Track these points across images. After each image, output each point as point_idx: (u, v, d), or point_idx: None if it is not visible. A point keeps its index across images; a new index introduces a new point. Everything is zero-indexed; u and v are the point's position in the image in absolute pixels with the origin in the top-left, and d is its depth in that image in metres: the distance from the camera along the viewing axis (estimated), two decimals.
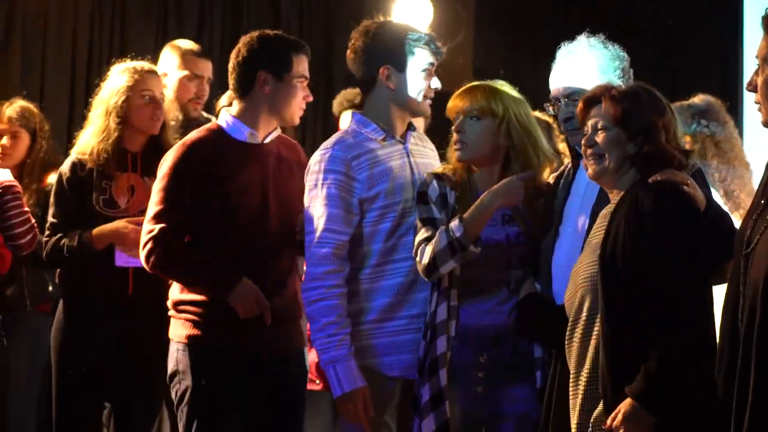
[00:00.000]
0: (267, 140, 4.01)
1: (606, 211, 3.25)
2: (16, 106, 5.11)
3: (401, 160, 3.87)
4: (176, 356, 3.94)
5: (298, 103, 4.00)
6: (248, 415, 3.97)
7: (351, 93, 5.16)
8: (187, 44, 5.25)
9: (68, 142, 5.33)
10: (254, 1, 7.07)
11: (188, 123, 4.90)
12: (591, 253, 3.17)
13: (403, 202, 3.81)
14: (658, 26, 7.53)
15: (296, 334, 4.09)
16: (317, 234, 3.77)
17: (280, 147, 4.07)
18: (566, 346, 3.25)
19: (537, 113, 4.82)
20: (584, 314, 3.16)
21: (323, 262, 3.77)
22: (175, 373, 3.95)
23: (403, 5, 7.26)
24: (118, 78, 4.49)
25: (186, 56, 5.14)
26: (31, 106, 5.16)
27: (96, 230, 4.38)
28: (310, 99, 4.04)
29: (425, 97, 3.86)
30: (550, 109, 3.72)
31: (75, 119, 5.72)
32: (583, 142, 3.29)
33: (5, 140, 5.05)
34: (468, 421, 3.66)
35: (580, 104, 3.32)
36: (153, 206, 3.92)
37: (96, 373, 4.45)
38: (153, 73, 4.55)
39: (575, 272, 3.23)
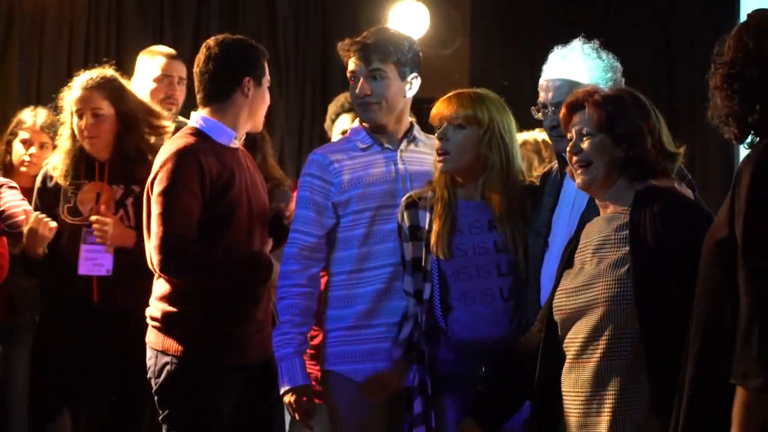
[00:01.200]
0: (238, 145, 4.08)
1: (601, 226, 3.15)
2: (43, 114, 5.10)
3: (386, 167, 3.89)
4: (168, 369, 3.93)
5: (266, 108, 4.10)
6: (235, 421, 3.99)
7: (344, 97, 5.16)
8: (158, 48, 5.29)
9: None
10: (250, 6, 7.07)
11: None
12: (606, 272, 3.06)
13: (377, 209, 3.84)
14: (656, 29, 7.54)
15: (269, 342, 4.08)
16: (290, 234, 3.90)
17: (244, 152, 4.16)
18: (571, 363, 3.12)
19: (526, 135, 4.85)
20: (606, 333, 3.03)
21: (289, 261, 3.87)
22: (164, 385, 3.94)
23: (400, 13, 7.27)
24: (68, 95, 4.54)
25: (154, 58, 5.16)
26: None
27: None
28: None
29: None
30: (536, 114, 3.66)
31: None
32: (567, 149, 3.20)
33: (34, 149, 5.04)
34: None
35: (563, 110, 3.23)
36: (159, 215, 3.90)
37: (62, 375, 4.47)
38: (101, 86, 4.52)
39: (578, 289, 3.11)
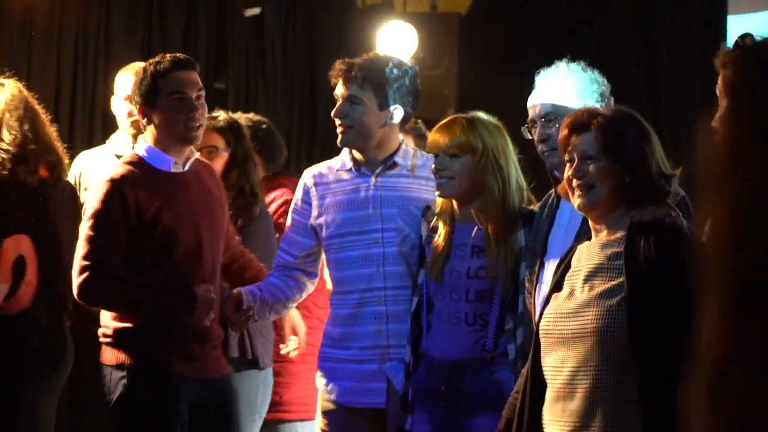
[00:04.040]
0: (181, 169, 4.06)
1: (593, 252, 3.11)
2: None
3: (360, 193, 3.96)
4: (124, 383, 3.95)
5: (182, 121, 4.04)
6: None
7: None
8: (137, 65, 5.27)
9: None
10: (238, 25, 7.07)
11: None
12: (597, 301, 3.01)
13: (345, 236, 3.94)
14: (642, 48, 7.56)
15: (222, 359, 4.16)
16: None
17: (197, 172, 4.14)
18: (557, 392, 3.07)
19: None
20: (594, 363, 2.99)
21: (271, 273, 4.12)
22: (120, 399, 3.96)
23: (388, 32, 7.28)
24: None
25: (122, 79, 5.12)
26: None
27: None
28: None
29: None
30: (528, 133, 3.68)
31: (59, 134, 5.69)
32: (569, 172, 3.14)
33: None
34: None
35: (564, 130, 3.17)
36: (83, 240, 3.92)
37: None
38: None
39: (568, 315, 3.06)
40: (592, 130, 3.12)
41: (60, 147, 4.47)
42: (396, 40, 7.24)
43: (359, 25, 7.25)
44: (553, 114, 3.58)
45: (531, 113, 3.66)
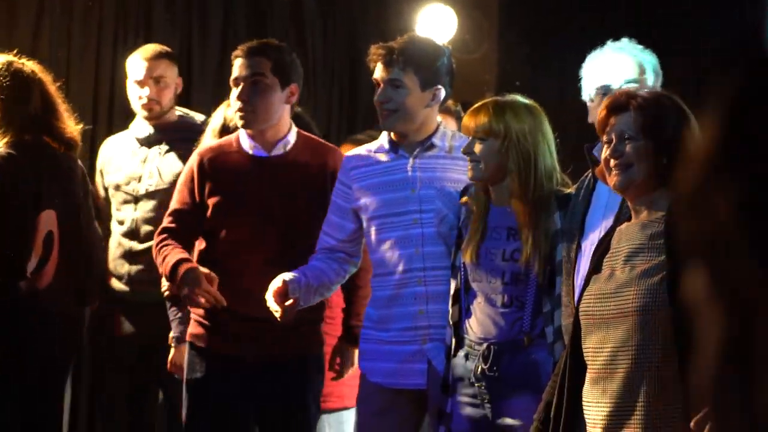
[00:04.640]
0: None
1: (634, 233, 3.10)
2: None
3: (398, 174, 3.96)
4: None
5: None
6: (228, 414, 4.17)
7: None
8: (144, 48, 5.31)
9: (91, 156, 5.38)
10: (278, 7, 7.07)
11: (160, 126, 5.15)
12: (638, 281, 3.01)
13: (384, 218, 3.95)
14: (687, 33, 7.51)
15: (292, 341, 4.16)
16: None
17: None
18: (597, 373, 3.07)
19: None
20: (635, 344, 2.98)
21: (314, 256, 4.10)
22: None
23: (427, 15, 7.25)
24: None
25: (131, 62, 5.20)
26: None
27: None
28: None
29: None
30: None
31: (99, 132, 5.73)
32: (606, 153, 3.14)
33: None
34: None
35: (602, 111, 3.18)
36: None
37: None
38: None
39: (608, 295, 3.06)
40: (631, 111, 3.11)
41: (76, 128, 4.49)
42: (435, 24, 7.22)
43: (399, 9, 7.23)
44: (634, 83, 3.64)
45: (592, 94, 3.72)
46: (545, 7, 7.72)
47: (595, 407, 3.07)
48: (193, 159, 4.26)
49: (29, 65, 4.44)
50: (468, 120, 3.76)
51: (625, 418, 3.00)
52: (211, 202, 4.17)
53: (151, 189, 5.06)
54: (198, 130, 5.01)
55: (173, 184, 4.86)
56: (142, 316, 5.01)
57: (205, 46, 6.66)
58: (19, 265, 4.23)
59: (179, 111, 5.29)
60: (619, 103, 3.15)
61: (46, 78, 4.42)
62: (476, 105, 3.81)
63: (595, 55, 3.74)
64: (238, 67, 4.15)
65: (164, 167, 5.08)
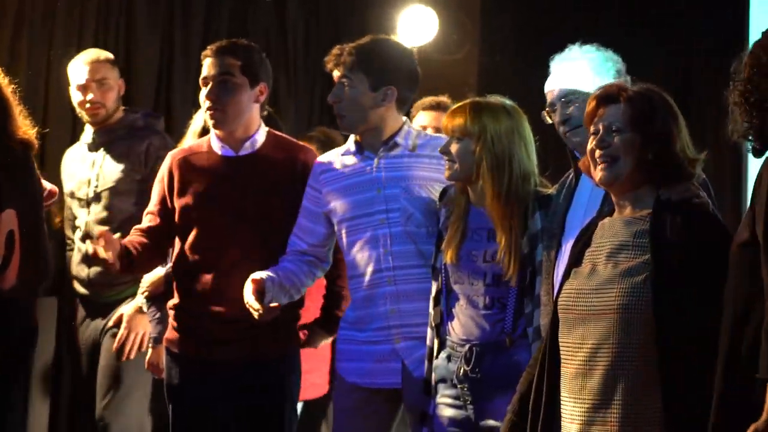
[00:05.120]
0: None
1: (618, 229, 3.10)
2: None
3: (364, 176, 4.01)
4: None
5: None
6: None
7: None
8: (85, 52, 5.38)
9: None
10: (260, 9, 7.06)
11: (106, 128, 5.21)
12: (621, 279, 3.02)
13: (352, 219, 4.00)
14: (668, 36, 7.53)
15: (268, 341, 4.16)
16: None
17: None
18: (577, 368, 3.07)
19: None
20: (616, 341, 2.99)
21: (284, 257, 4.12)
22: None
23: (409, 17, 7.26)
24: None
25: (72, 68, 5.26)
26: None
27: None
28: None
29: None
30: (548, 118, 3.72)
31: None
32: (592, 143, 3.14)
33: None
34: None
35: (592, 102, 3.17)
36: None
37: None
38: None
39: (590, 292, 3.07)
40: (621, 103, 3.12)
41: (32, 129, 4.46)
42: (417, 25, 7.23)
43: (381, 10, 7.23)
44: (572, 95, 3.63)
45: (549, 97, 3.70)
46: (526, 7, 7.73)
47: (573, 403, 3.07)
48: (166, 161, 4.30)
49: None
50: (446, 120, 3.80)
51: (602, 416, 3.00)
52: (181, 202, 4.19)
53: (99, 191, 5.16)
54: (138, 126, 5.17)
55: (118, 182, 5.06)
56: (103, 318, 5.13)
57: (186, 45, 6.64)
58: None
59: (123, 110, 5.34)
60: (610, 94, 3.16)
61: (1, 80, 4.39)
62: (456, 105, 3.83)
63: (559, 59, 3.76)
64: (207, 66, 4.17)
65: (106, 168, 5.17)
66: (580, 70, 3.64)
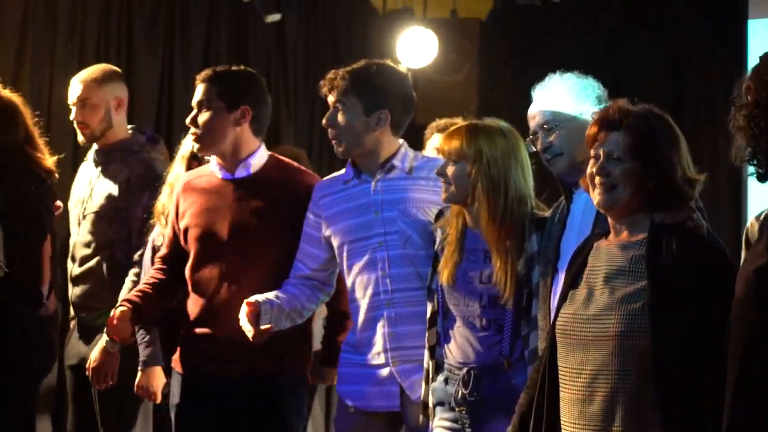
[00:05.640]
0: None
1: (614, 253, 3.10)
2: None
3: (361, 199, 4.02)
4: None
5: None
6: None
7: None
8: (82, 72, 5.28)
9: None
10: (260, 32, 7.09)
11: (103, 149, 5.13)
12: (619, 305, 3.01)
13: (351, 243, 4.01)
14: (665, 56, 7.55)
15: (266, 360, 4.14)
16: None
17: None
18: (575, 394, 3.06)
19: None
20: (615, 368, 2.98)
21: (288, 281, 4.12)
22: None
23: (409, 39, 7.29)
24: None
25: (74, 83, 5.17)
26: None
27: None
28: None
29: None
30: (533, 146, 3.74)
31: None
32: (592, 168, 3.12)
33: None
34: None
35: (594, 126, 3.15)
36: None
37: None
38: None
39: (589, 318, 3.05)
40: (622, 129, 3.10)
41: (52, 159, 4.58)
42: (417, 47, 7.26)
43: (380, 32, 7.27)
44: (552, 122, 3.66)
45: (531, 125, 3.73)
46: (525, 29, 7.77)
47: (573, 428, 3.07)
48: (177, 186, 4.37)
49: (11, 96, 4.50)
50: (443, 142, 3.81)
51: None
52: (184, 225, 4.23)
53: (86, 213, 5.07)
54: (134, 150, 5.07)
55: (101, 207, 4.98)
56: (85, 343, 5.06)
57: (187, 68, 6.67)
58: (39, 294, 4.41)
59: (131, 129, 5.23)
60: (611, 119, 3.13)
61: (26, 110, 4.50)
62: (453, 128, 3.85)
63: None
64: (196, 92, 4.23)
65: (97, 189, 5.06)
66: (560, 96, 3.66)
